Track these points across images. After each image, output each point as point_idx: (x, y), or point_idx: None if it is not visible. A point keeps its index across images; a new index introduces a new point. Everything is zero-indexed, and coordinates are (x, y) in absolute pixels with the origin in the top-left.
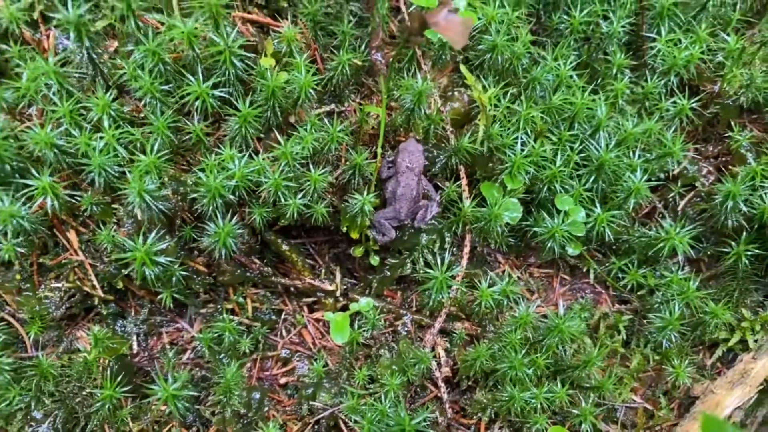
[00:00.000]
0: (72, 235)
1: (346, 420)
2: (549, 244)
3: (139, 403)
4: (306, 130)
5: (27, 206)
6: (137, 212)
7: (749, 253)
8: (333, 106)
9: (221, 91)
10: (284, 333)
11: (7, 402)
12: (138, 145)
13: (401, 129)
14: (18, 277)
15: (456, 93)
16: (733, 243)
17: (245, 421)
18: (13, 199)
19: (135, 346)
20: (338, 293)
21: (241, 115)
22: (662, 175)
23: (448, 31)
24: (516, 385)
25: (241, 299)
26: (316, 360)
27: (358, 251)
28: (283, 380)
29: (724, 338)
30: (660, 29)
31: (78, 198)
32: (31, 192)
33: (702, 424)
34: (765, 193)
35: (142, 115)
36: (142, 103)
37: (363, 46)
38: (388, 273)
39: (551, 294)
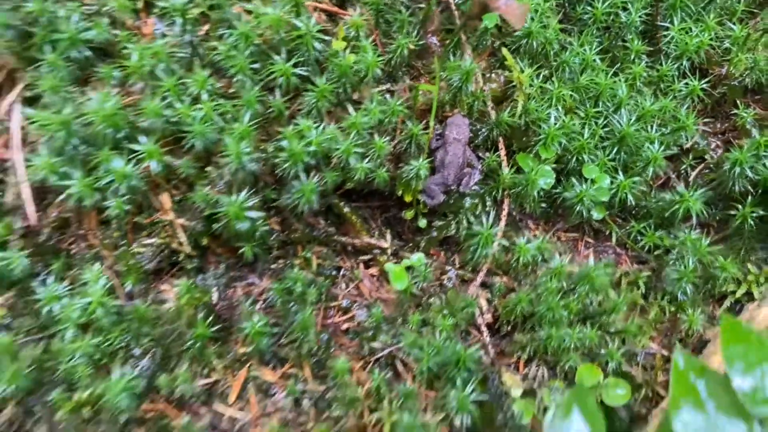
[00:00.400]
0: (165, 197)
1: (403, 359)
2: (577, 208)
3: (222, 344)
4: (371, 103)
5: (135, 168)
6: (229, 174)
7: (754, 214)
8: (389, 85)
9: (301, 70)
10: (344, 286)
11: (109, 342)
12: (229, 116)
13: (447, 105)
14: (116, 234)
15: (493, 74)
16: (739, 206)
17: (315, 359)
18: (125, 162)
19: (215, 297)
20: (390, 252)
21: (318, 90)
22: (675, 149)
23: (509, 15)
24: (552, 326)
25: (309, 255)
26: (373, 308)
27: (409, 214)
28: (344, 326)
29: (732, 290)
30: (673, 19)
31: (175, 163)
32: (139, 156)
33: (721, 323)
34: None
35: (231, 90)
36: (234, 79)
37: (415, 32)
38: (435, 234)
39: (577, 256)
